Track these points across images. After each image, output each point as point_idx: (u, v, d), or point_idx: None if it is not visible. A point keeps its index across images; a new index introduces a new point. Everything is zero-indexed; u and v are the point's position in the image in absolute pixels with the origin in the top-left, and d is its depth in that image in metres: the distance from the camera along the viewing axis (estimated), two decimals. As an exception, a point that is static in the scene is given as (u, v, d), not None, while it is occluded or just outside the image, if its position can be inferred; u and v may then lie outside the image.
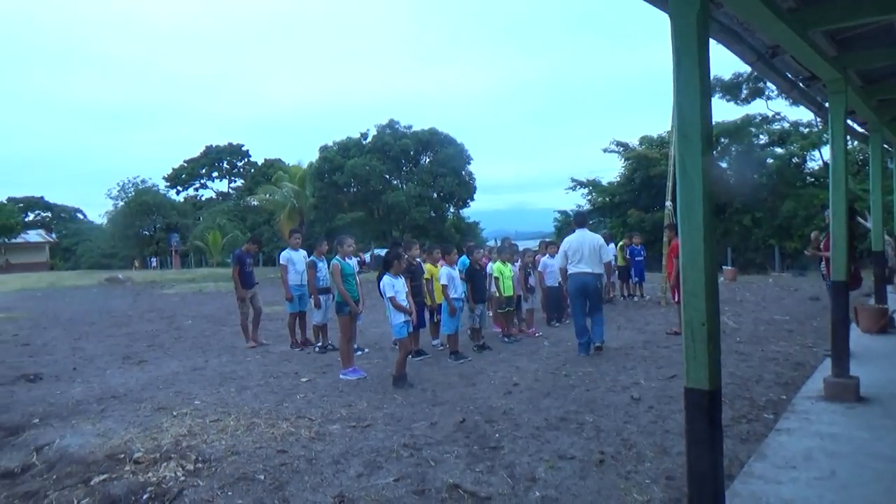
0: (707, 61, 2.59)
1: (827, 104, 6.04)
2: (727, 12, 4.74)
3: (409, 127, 35.47)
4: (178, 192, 60.79)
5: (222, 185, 62.65)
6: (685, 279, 2.62)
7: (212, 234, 43.80)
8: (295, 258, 9.64)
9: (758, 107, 29.32)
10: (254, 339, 9.86)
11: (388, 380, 7.25)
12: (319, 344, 9.26)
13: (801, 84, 7.10)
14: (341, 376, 7.53)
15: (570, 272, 8.66)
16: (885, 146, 10.31)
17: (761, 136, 28.93)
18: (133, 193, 49.59)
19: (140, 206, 48.18)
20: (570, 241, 8.81)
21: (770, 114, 29.24)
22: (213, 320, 13.21)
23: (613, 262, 12.77)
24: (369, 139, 35.23)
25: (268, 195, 39.70)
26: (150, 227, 50.15)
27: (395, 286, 7.07)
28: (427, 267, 8.97)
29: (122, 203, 49.66)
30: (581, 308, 8.53)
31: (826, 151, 28.57)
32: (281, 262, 9.64)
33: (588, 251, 8.53)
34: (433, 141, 35.32)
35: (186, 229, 49.23)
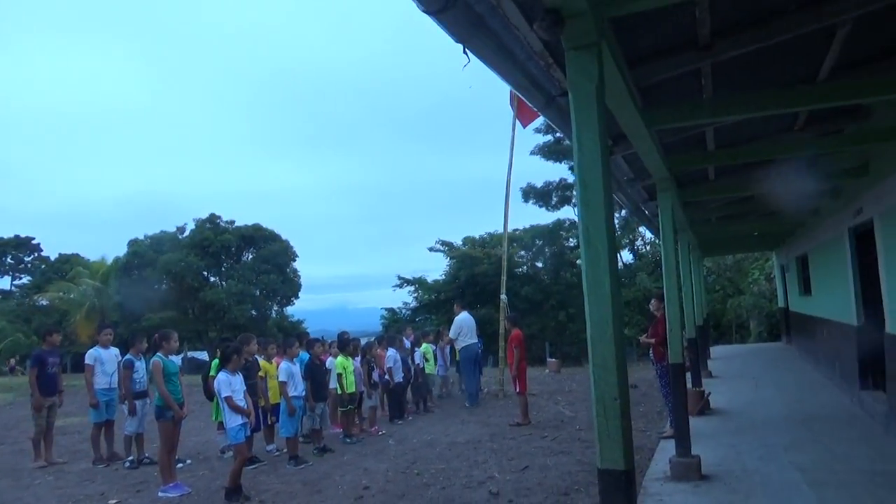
0: (605, 131, 2.61)
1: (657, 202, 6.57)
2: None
3: (232, 222, 34.12)
4: (-56, 290, 52.23)
5: (5, 283, 54.91)
6: (593, 352, 2.50)
7: (-14, 338, 37.75)
8: (104, 357, 8.35)
9: (567, 212, 32.19)
10: (46, 457, 8.24)
11: (219, 494, 6.37)
12: (131, 457, 7.96)
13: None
14: (160, 494, 6.48)
15: (463, 344, 11.81)
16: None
17: (571, 239, 31.53)
18: None
19: None
20: (462, 321, 12.01)
21: (577, 219, 32.15)
22: (-14, 437, 10.98)
23: (449, 357, 12.82)
24: (187, 233, 33.24)
25: (62, 293, 35.40)
26: None
27: (233, 384, 6.31)
28: (262, 363, 8.24)
29: None
30: (473, 370, 11.74)
31: (626, 254, 31.87)
32: (87, 361, 8.30)
33: (473, 327, 12.06)
34: (257, 237, 34.23)
35: (-48, 332, 42.02)
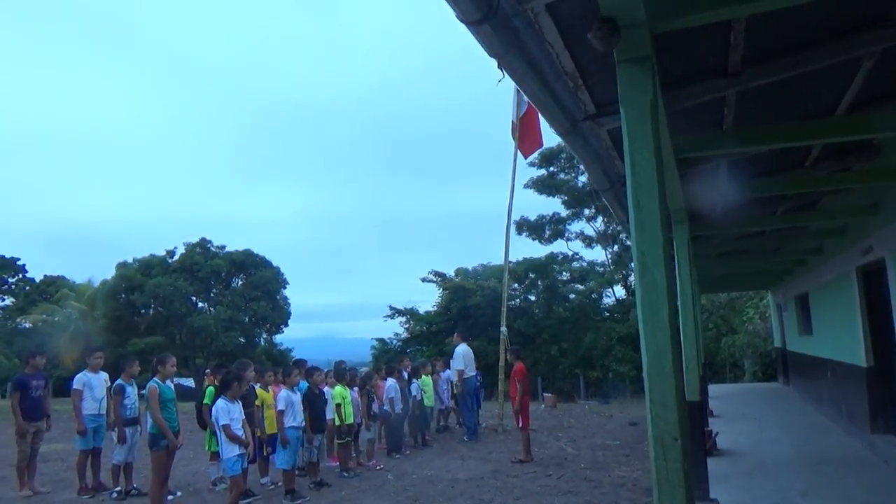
0: (660, 147, 2.46)
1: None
2: (601, 136, 4.93)
3: (223, 247, 33.81)
4: (-75, 311, 51.06)
5: (-13, 304, 53.85)
6: (651, 387, 2.30)
7: (-34, 361, 36.84)
8: (93, 382, 8.02)
9: (559, 246, 32.16)
10: (29, 485, 7.85)
11: (211, 529, 6.03)
12: (118, 488, 7.58)
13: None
14: (149, 528, 6.14)
15: (466, 376, 11.51)
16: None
17: (564, 273, 31.40)
18: None
19: None
20: (464, 351, 11.94)
21: (570, 253, 32.13)
22: (-35, 464, 10.51)
23: (450, 389, 12.50)
24: (176, 257, 32.87)
25: (46, 316, 34.81)
26: None
27: (231, 412, 6.04)
28: (258, 392, 7.94)
29: None
30: (472, 404, 11.47)
31: (619, 290, 31.73)
32: (75, 386, 7.95)
33: (473, 359, 12.08)
34: (247, 263, 33.89)
35: (-68, 354, 41.04)
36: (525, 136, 13.41)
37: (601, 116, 4.35)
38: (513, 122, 13.39)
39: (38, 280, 51.97)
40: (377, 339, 33.60)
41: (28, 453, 7.88)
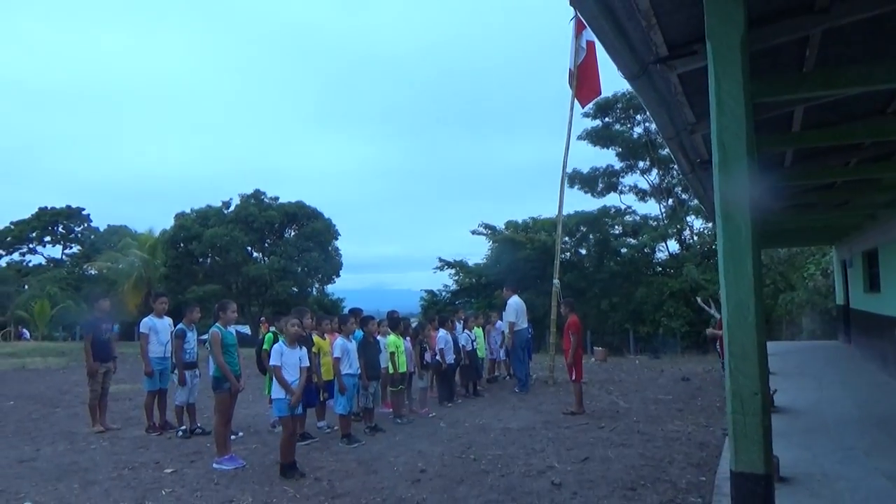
0: (749, 86, 2.30)
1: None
2: (670, 80, 4.69)
3: (276, 198, 34.34)
4: (-1, 257, 53.86)
5: (55, 252, 56.42)
6: (731, 340, 2.21)
7: (38, 304, 38.81)
8: (159, 326, 8.33)
9: (612, 199, 31.50)
10: (101, 422, 8.29)
11: (272, 468, 6.26)
12: (184, 427, 7.93)
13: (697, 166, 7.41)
14: (215, 466, 6.39)
15: (517, 328, 11.62)
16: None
17: (616, 227, 30.84)
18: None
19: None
20: (517, 304, 11.94)
21: (623, 207, 31.48)
22: (42, 401, 11.15)
23: (501, 340, 12.53)
24: (232, 208, 33.58)
25: (110, 263, 36.27)
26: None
27: (286, 357, 6.15)
28: (315, 339, 8.09)
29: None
30: (523, 356, 11.50)
31: (672, 244, 31.06)
32: (142, 330, 8.28)
33: (525, 311, 12.06)
34: (300, 214, 34.37)
35: (7, 298, 43.42)
36: (583, 84, 12.99)
37: (674, 58, 4.12)
38: (570, 70, 12.97)
39: (102, 229, 54.15)
40: (426, 291, 33.86)
41: (99, 392, 8.30)
